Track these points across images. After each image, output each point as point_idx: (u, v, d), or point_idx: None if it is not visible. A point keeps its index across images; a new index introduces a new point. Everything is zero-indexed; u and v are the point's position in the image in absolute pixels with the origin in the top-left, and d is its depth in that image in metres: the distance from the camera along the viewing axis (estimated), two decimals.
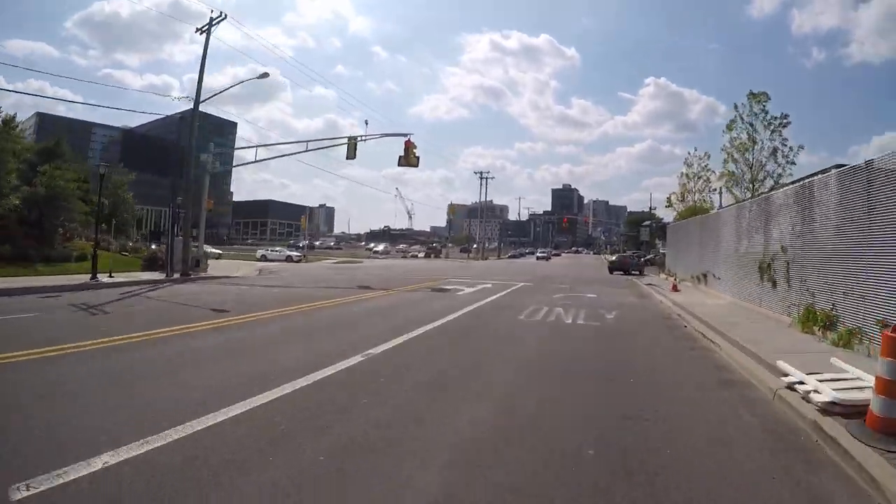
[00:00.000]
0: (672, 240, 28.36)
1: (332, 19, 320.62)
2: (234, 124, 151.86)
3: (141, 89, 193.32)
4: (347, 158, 24.18)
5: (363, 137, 24.97)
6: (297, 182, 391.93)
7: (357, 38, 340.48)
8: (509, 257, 78.55)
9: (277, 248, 46.83)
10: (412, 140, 23.05)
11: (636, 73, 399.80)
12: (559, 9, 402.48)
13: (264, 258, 40.71)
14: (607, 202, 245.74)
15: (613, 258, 42.83)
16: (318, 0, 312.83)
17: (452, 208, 62.79)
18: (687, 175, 36.79)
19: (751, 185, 27.79)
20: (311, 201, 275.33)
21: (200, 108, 23.80)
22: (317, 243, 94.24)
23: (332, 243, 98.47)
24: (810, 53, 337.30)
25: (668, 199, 38.25)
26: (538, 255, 75.41)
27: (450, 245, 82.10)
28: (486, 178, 71.13)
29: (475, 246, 77.57)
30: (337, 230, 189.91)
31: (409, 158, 22.81)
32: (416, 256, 63.43)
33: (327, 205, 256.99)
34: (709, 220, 20.21)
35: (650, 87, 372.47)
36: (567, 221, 77.81)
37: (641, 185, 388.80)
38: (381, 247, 75.95)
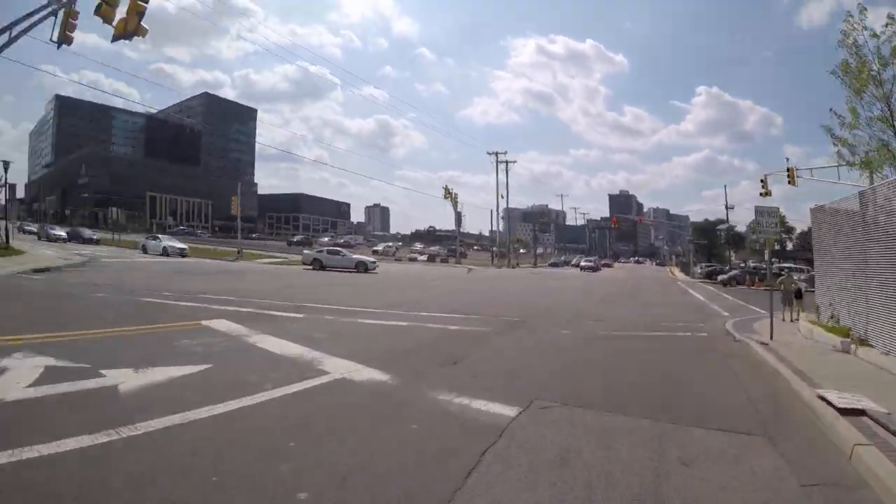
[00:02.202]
0: (834, 241, 11.63)
1: (376, 19, 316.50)
2: (254, 111, 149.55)
3: (194, 85, 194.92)
4: None
5: None
6: (356, 183, 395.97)
7: (402, 40, 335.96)
8: (550, 265, 66.01)
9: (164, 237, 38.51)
10: None
11: (687, 81, 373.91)
12: (603, 14, 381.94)
13: (144, 249, 33.90)
14: (668, 210, 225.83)
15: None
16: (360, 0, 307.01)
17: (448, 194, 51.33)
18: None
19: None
20: (369, 201, 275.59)
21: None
22: (341, 240, 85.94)
23: (350, 240, 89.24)
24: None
25: (763, 184, 25.43)
26: (583, 263, 60.55)
27: (494, 249, 69.03)
28: (507, 163, 58.56)
29: (495, 250, 65.87)
30: (393, 230, 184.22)
31: None
32: (413, 260, 52.72)
33: (382, 205, 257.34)
34: None
35: (702, 97, 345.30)
36: (617, 222, 62.99)
37: (701, 196, 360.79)
38: (380, 247, 65.40)
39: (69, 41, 15.63)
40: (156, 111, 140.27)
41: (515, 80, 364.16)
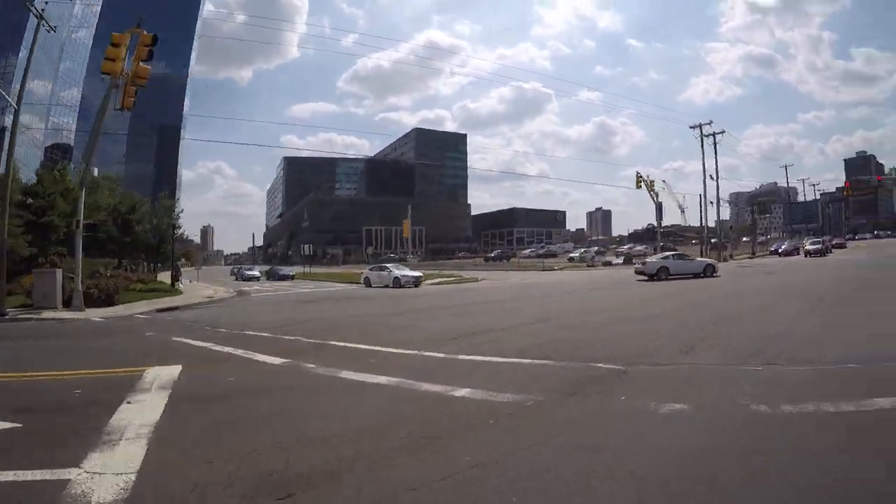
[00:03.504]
0: None
1: (579, 22, 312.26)
2: (464, 136, 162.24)
3: (417, 125, 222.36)
4: None
5: None
6: (579, 190, 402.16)
7: (608, 35, 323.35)
8: (771, 252, 54.17)
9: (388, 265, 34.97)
10: None
11: None
12: None
13: (367, 282, 30.65)
14: None
15: None
16: (561, 7, 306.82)
17: (641, 183, 44.56)
18: None
19: None
20: (592, 206, 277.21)
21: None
22: (542, 250, 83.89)
23: (557, 249, 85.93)
24: None
25: None
26: (808, 247, 48.53)
27: (711, 240, 58.67)
28: (714, 135, 48.15)
29: (713, 241, 54.41)
30: (616, 232, 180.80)
31: None
32: (608, 265, 46.60)
33: (604, 208, 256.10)
34: None
35: None
36: (850, 187, 48.93)
37: None
38: (576, 253, 60.75)
39: (131, 105, 17.54)
40: (374, 154, 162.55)
41: (731, 49, 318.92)
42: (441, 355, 8.24)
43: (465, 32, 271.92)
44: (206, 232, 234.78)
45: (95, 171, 32.26)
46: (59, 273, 18.60)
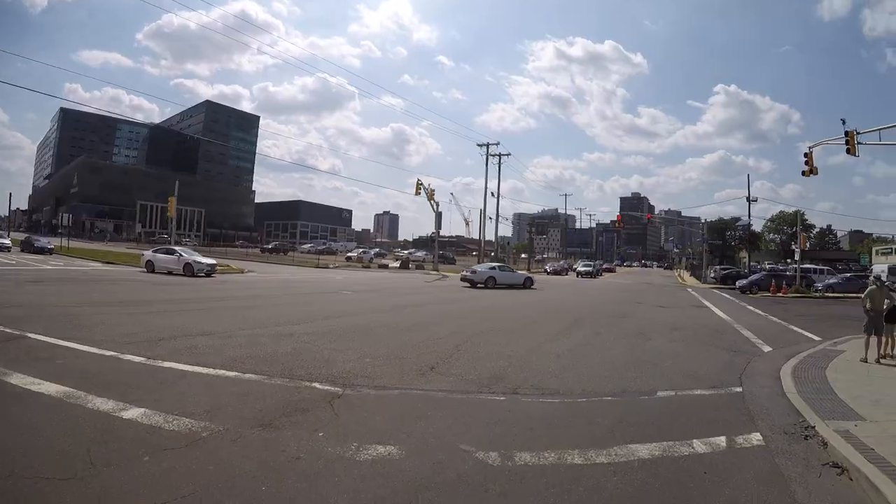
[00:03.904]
0: None
1: (396, 29, 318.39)
2: (257, 118, 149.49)
3: (212, 98, 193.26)
4: None
5: None
6: (369, 191, 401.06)
7: (422, 48, 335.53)
8: (545, 271, 56.35)
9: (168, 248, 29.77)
10: None
11: (704, 80, 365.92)
12: (622, 13, 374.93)
13: (149, 267, 25.72)
14: (679, 213, 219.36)
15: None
16: (383, 11, 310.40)
17: (421, 189, 44.79)
18: None
19: None
20: (380, 209, 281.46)
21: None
22: (322, 246, 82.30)
23: (340, 247, 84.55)
24: (885, 55, 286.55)
25: (807, 160, 19.79)
26: (580, 269, 53.69)
27: (491, 254, 62.12)
28: (500, 156, 51.36)
29: (493, 255, 59.29)
30: (402, 237, 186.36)
31: None
32: (383, 267, 46.22)
33: (392, 212, 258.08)
34: None
35: (720, 95, 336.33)
36: (622, 220, 55.00)
37: (714, 198, 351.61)
38: (354, 253, 59.61)
39: None
40: (160, 122, 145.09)
41: (533, 85, 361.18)
42: (140, 359, 6.93)
43: (281, 11, 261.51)
44: None
45: None
46: None
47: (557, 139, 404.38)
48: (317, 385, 6.10)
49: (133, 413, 4.75)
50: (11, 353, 6.96)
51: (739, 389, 7.15)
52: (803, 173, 20.13)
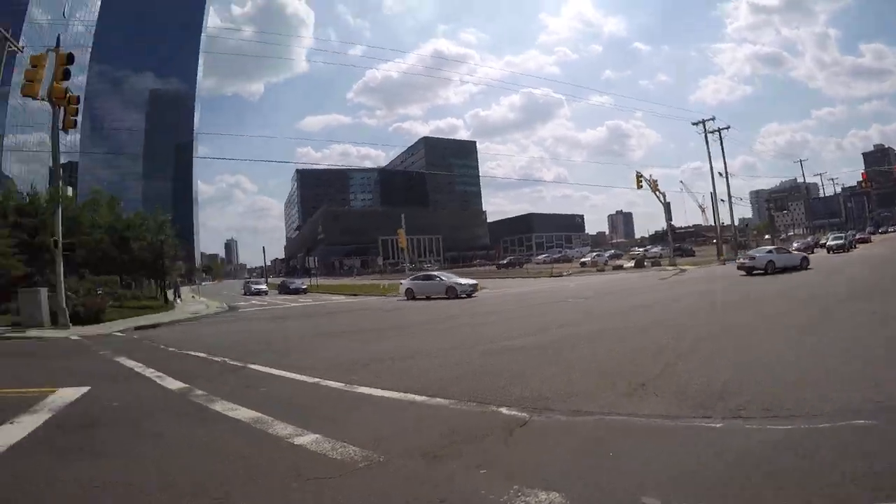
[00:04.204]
0: None
1: (584, 28, 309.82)
2: (473, 143, 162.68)
3: (428, 134, 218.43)
4: None
5: None
6: (597, 193, 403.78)
7: (615, 39, 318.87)
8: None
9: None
10: None
11: None
12: None
13: (410, 294, 26.37)
14: None
15: None
16: (565, 14, 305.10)
17: (643, 182, 40.27)
18: None
19: None
20: (613, 209, 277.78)
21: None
22: (557, 255, 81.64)
23: (575, 253, 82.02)
24: None
25: None
26: (830, 243, 43.71)
27: (735, 238, 54.76)
28: (720, 131, 44.84)
29: (731, 241, 50.44)
30: (638, 234, 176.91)
31: None
32: (619, 268, 43.35)
33: (625, 210, 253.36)
34: None
35: None
36: (868, 179, 43.08)
37: None
38: (588, 257, 58.15)
39: (72, 125, 17.90)
40: (386, 164, 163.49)
41: (738, 49, 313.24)
42: (339, 385, 7.05)
43: (471, 41, 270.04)
44: (229, 246, 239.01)
45: (69, 191, 31.86)
46: (42, 291, 18.53)
47: (779, 101, 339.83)
48: (503, 410, 5.40)
49: (305, 439, 4.68)
50: (229, 382, 7.69)
51: None
52: None
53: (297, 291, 41.88)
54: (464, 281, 26.11)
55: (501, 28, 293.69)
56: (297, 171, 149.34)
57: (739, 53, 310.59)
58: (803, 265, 26.42)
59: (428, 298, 24.75)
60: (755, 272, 25.46)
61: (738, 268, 27.47)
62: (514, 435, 4.63)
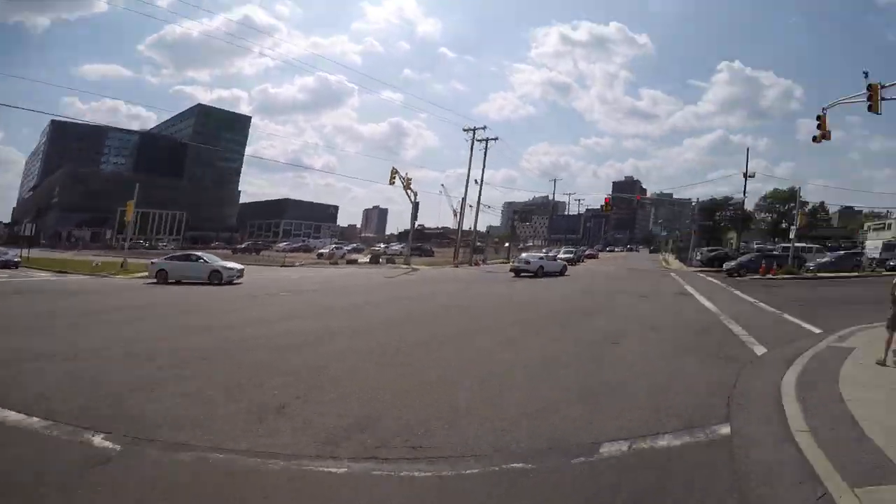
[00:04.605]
0: None
1: (400, 23, 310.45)
2: (248, 119, 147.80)
3: (209, 103, 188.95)
4: None
5: None
6: (361, 186, 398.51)
7: (425, 41, 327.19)
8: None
9: None
10: None
11: (711, 57, 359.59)
12: None
13: (161, 276, 22.87)
14: (671, 195, 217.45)
15: None
16: (387, 6, 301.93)
17: (396, 178, 40.81)
18: None
19: None
20: (371, 203, 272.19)
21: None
22: (298, 244, 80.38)
23: (317, 244, 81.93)
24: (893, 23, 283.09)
25: (821, 123, 17.22)
26: (560, 256, 46.98)
27: (474, 244, 57.82)
28: (487, 140, 47.15)
29: (476, 245, 54.47)
30: (391, 230, 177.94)
31: None
32: (352, 262, 43.73)
33: (381, 206, 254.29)
34: None
35: (724, 73, 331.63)
36: (609, 203, 50.31)
37: (707, 177, 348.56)
38: (326, 249, 57.50)
39: None
40: (151, 128, 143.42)
41: (535, 72, 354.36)
42: None
43: (284, 13, 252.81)
44: None
45: None
46: None
47: (556, 126, 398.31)
48: (96, 439, 4.36)
49: None
50: None
51: (727, 430, 5.01)
52: (814, 139, 17.67)
53: (7, 265, 32.87)
54: (232, 265, 23.72)
55: (319, 7, 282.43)
56: (52, 121, 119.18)
57: (535, 76, 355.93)
58: (563, 272, 30.52)
59: (178, 283, 22.00)
60: (523, 274, 28.58)
61: (511, 269, 30.35)
62: (84, 478, 3.62)
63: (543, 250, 64.97)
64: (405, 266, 39.44)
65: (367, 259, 46.79)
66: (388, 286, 23.74)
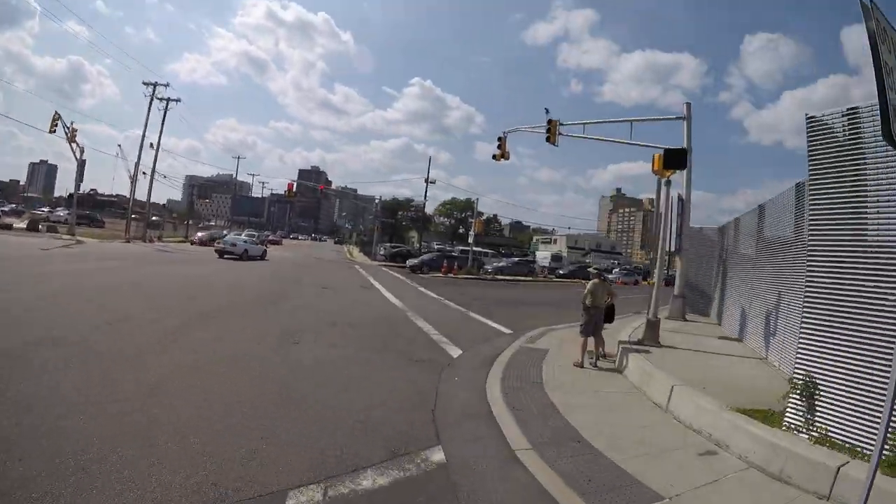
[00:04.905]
0: None
1: None
2: None
3: None
4: None
5: None
6: (31, 135, 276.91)
7: None
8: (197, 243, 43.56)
9: None
10: None
11: (407, 71, 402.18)
12: None
13: None
14: (356, 190, 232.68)
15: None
16: None
17: (58, 126, 31.21)
18: None
19: None
20: (39, 157, 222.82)
21: None
22: None
23: None
24: (569, 84, 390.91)
25: (500, 144, 20.28)
26: (242, 239, 38.73)
27: (140, 217, 45.20)
28: (168, 100, 41.95)
29: (146, 218, 45.15)
30: (60, 192, 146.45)
31: None
32: (8, 227, 34.18)
33: (51, 162, 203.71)
34: None
35: (416, 88, 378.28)
36: (293, 189, 47.60)
37: (392, 180, 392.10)
38: None
39: None
40: None
41: (235, 41, 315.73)
42: None
43: None
44: None
45: None
46: None
47: (247, 102, 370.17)
48: None
49: None
50: None
51: (441, 456, 4.31)
52: (494, 157, 20.51)
53: None
54: None
55: None
56: None
57: (234, 45, 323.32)
58: (264, 257, 30.86)
59: None
60: (226, 256, 28.00)
61: (216, 250, 29.23)
62: None
63: (224, 231, 59.11)
64: (69, 236, 32.32)
65: (24, 225, 36.94)
66: (39, 261, 17.66)
